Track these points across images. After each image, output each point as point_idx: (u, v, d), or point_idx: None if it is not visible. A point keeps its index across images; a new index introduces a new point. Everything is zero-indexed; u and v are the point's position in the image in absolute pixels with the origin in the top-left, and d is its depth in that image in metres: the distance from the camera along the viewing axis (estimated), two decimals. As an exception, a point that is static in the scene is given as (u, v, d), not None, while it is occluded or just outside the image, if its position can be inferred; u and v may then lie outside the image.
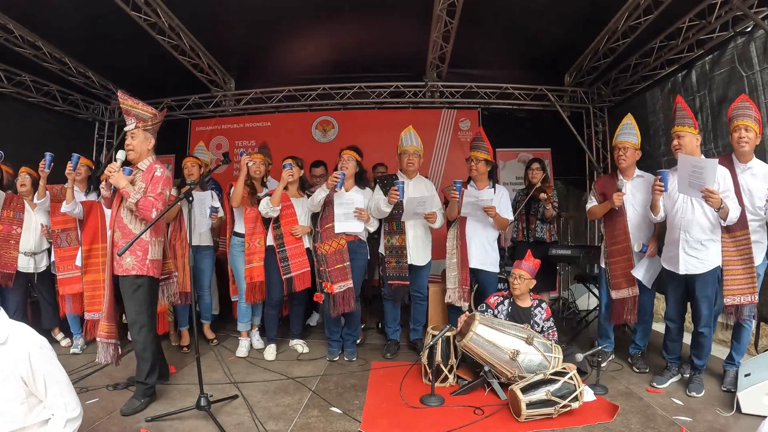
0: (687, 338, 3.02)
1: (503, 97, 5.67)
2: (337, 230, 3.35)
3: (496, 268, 3.54)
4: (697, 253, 2.72)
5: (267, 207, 3.42)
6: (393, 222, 3.52)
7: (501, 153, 5.90)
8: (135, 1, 3.71)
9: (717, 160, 2.62)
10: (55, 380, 1.68)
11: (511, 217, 3.56)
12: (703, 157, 2.74)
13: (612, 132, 5.67)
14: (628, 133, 3.12)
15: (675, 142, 2.79)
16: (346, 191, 3.45)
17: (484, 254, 3.46)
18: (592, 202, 3.31)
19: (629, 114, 3.19)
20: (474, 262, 3.43)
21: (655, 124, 4.68)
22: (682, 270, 2.76)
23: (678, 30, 3.97)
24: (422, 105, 5.82)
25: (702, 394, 2.74)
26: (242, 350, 3.64)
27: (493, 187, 3.50)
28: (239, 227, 3.68)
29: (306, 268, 3.51)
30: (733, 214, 2.60)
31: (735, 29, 3.56)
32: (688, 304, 2.96)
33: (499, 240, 3.71)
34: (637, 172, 3.16)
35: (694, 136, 2.76)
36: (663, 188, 2.75)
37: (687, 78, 4.19)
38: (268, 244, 3.56)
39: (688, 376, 2.92)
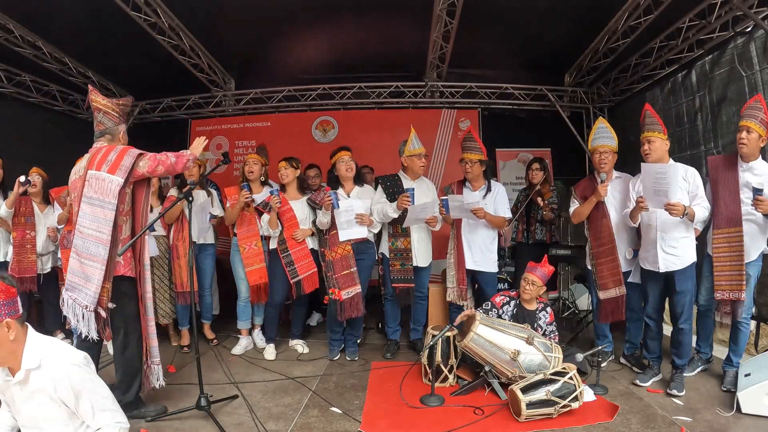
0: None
1: (503, 97, 5.67)
2: (341, 239, 3.35)
3: (494, 268, 3.51)
4: (675, 250, 2.78)
5: (267, 230, 3.50)
6: (398, 225, 3.48)
7: (501, 153, 5.90)
8: (135, 1, 3.71)
9: (679, 164, 2.77)
10: (101, 397, 1.61)
11: (508, 214, 3.51)
12: (671, 161, 2.84)
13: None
14: (606, 137, 3.12)
15: (645, 147, 2.82)
16: (347, 195, 3.45)
17: (480, 255, 3.43)
18: (574, 205, 3.29)
19: (601, 117, 3.19)
20: (470, 263, 3.42)
21: (654, 124, 4.67)
22: (662, 268, 2.81)
23: (678, 30, 3.97)
24: (422, 105, 5.82)
25: (683, 393, 2.75)
26: (239, 348, 3.65)
27: (488, 186, 3.46)
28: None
29: (313, 269, 3.52)
30: (700, 215, 2.70)
31: (735, 29, 3.57)
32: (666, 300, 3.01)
33: (499, 240, 3.69)
34: (615, 173, 3.20)
35: (663, 141, 2.81)
36: (646, 208, 2.78)
37: (687, 78, 4.19)
38: (271, 247, 3.56)
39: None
